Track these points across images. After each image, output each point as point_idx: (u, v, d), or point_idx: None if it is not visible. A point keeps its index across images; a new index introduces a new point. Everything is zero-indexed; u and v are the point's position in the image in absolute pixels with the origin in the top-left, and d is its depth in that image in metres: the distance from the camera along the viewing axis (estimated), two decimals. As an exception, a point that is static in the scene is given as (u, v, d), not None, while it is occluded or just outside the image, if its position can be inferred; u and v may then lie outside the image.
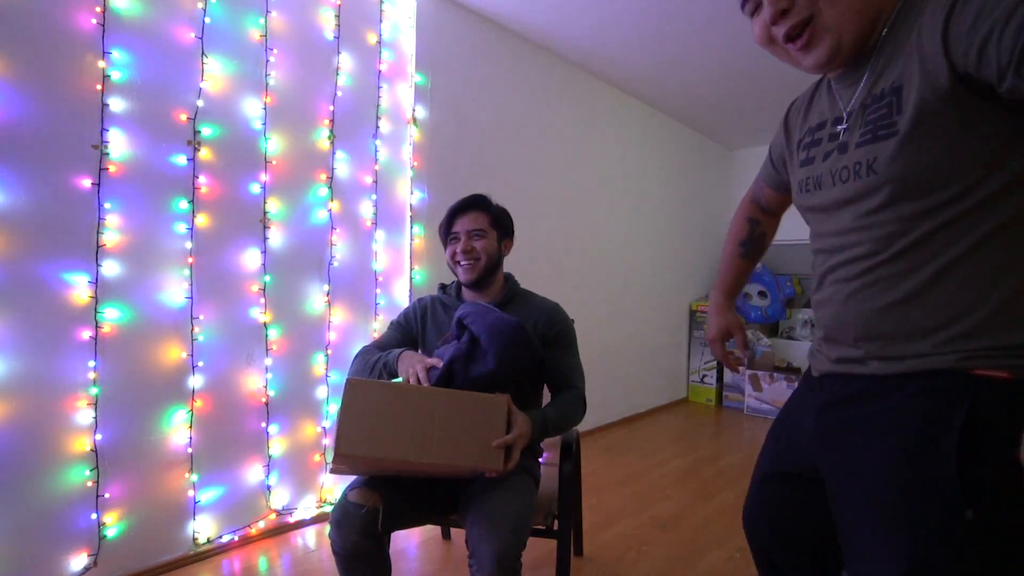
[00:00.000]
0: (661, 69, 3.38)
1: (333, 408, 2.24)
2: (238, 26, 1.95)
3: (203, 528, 1.90)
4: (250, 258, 2.00)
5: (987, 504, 0.65)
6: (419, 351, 1.56)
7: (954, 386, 0.69)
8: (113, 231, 1.68)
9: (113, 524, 1.70)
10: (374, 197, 2.37)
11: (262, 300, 2.03)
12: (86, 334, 1.64)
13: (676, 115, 4.26)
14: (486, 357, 1.26)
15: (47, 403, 1.58)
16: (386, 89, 2.40)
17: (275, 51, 2.04)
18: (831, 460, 0.82)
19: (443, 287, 1.61)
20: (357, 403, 1.14)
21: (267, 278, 2.04)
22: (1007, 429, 0.63)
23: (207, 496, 1.91)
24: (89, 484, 1.65)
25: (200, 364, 1.87)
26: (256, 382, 2.03)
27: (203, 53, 1.85)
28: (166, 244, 1.80)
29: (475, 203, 1.51)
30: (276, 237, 2.07)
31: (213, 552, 1.93)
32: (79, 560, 1.64)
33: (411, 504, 1.30)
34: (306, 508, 2.18)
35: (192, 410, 1.86)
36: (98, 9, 1.63)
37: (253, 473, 2.03)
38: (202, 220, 1.87)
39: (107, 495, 1.68)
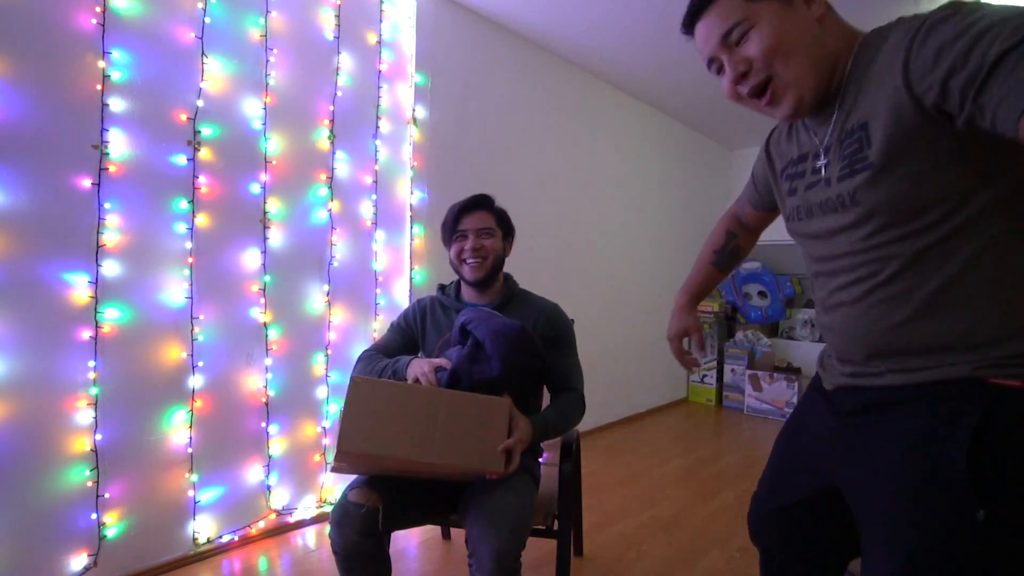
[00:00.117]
0: (661, 69, 3.38)
1: (333, 408, 2.24)
2: (238, 26, 1.95)
3: (203, 528, 1.90)
4: (250, 258, 2.01)
5: (1001, 506, 0.66)
6: (419, 352, 1.57)
7: (968, 393, 0.70)
8: (113, 231, 1.68)
9: (113, 524, 1.70)
10: (374, 197, 2.37)
11: (262, 300, 2.03)
12: (86, 334, 1.64)
13: (675, 115, 4.26)
14: (491, 362, 1.26)
15: (47, 403, 1.58)
16: (386, 89, 2.40)
17: (275, 51, 2.04)
18: (849, 468, 0.84)
19: (442, 288, 1.61)
20: (360, 401, 1.14)
21: (267, 278, 2.04)
22: (1020, 435, 0.67)
23: (207, 496, 1.91)
24: (89, 484, 1.65)
25: (200, 364, 1.87)
26: (256, 382, 2.03)
27: (203, 53, 1.85)
28: (166, 244, 1.80)
29: (482, 202, 1.51)
30: (276, 237, 2.07)
31: (213, 552, 1.93)
32: (79, 560, 1.64)
33: (411, 504, 1.30)
34: (306, 508, 2.18)
35: (192, 410, 1.86)
36: (98, 9, 1.63)
37: (253, 473, 2.03)
38: (202, 220, 1.87)
39: (107, 495, 1.68)
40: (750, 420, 4.13)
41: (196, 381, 1.87)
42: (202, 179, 1.86)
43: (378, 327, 2.38)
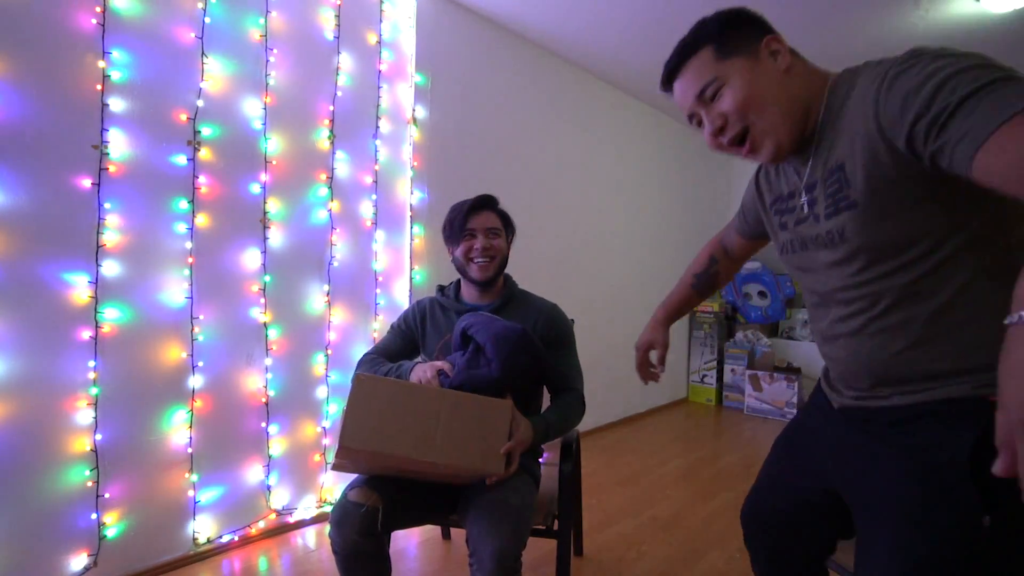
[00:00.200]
0: (661, 69, 3.37)
1: (333, 408, 2.24)
2: (238, 26, 1.95)
3: (203, 528, 1.90)
4: (250, 258, 2.01)
5: (1004, 512, 0.68)
6: (420, 354, 1.57)
7: (970, 409, 0.72)
8: (113, 231, 1.68)
9: (113, 524, 1.70)
10: (374, 197, 2.37)
11: (262, 300, 2.03)
12: (86, 334, 1.64)
13: (676, 115, 4.26)
14: (491, 365, 1.27)
15: (47, 403, 1.58)
16: (386, 89, 2.40)
17: (275, 51, 2.04)
18: (852, 472, 0.87)
19: (441, 289, 1.61)
20: (364, 398, 1.15)
21: (267, 278, 2.04)
22: None
23: (207, 496, 1.91)
24: (89, 484, 1.65)
25: (200, 364, 1.87)
26: (256, 382, 2.03)
27: (203, 53, 1.85)
28: (166, 244, 1.80)
29: (488, 203, 1.51)
30: (276, 237, 2.07)
31: (213, 552, 1.93)
32: (79, 560, 1.64)
33: (411, 504, 1.30)
34: (306, 508, 2.18)
35: (192, 410, 1.86)
36: (98, 9, 1.63)
37: (253, 473, 2.03)
38: (202, 220, 1.87)
39: (107, 495, 1.68)
40: (750, 420, 4.13)
41: (196, 381, 1.87)
42: (202, 179, 1.86)
43: (378, 327, 2.38)
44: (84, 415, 1.64)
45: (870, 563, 0.79)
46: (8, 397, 1.52)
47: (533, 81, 3.12)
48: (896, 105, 0.67)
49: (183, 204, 1.83)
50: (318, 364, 2.21)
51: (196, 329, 1.86)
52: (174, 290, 1.82)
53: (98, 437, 1.66)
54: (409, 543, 2.07)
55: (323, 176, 2.21)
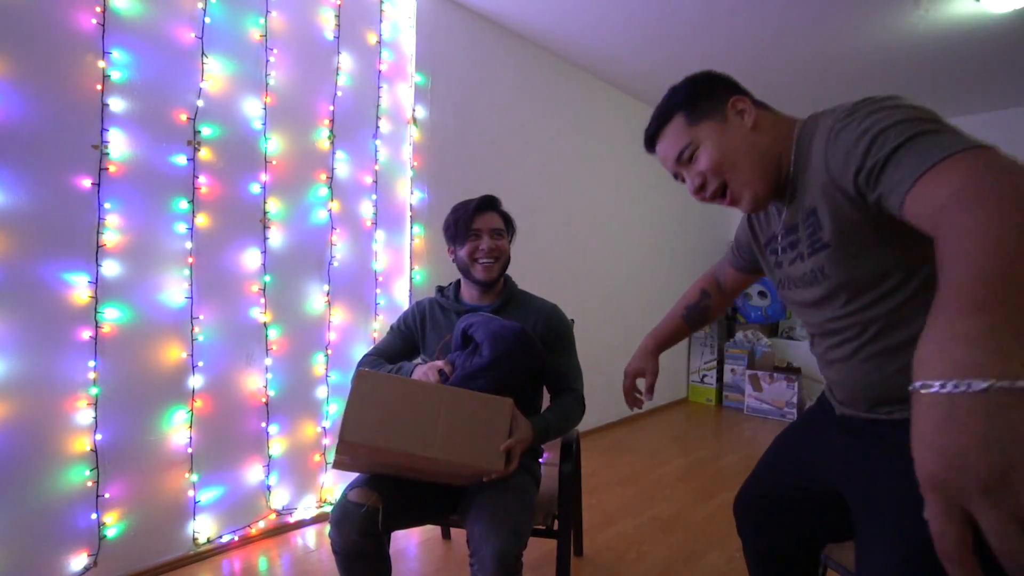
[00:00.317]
0: (661, 69, 3.37)
1: (333, 408, 2.24)
2: (238, 26, 1.95)
3: (203, 528, 1.90)
4: (250, 258, 2.01)
5: None
6: (420, 355, 1.57)
7: None
8: (113, 231, 1.68)
9: (113, 524, 1.70)
10: (374, 197, 2.37)
11: (262, 300, 2.03)
12: (86, 334, 1.64)
13: (676, 115, 4.25)
14: (487, 362, 1.27)
15: (47, 403, 1.58)
16: (386, 89, 2.40)
17: (275, 51, 2.04)
18: (852, 466, 0.90)
19: (440, 289, 1.61)
20: (365, 393, 1.15)
21: (267, 278, 2.04)
22: None
23: (207, 496, 1.91)
24: (89, 484, 1.65)
25: (200, 364, 1.87)
26: (256, 382, 2.03)
27: (203, 53, 1.85)
28: (166, 244, 1.80)
29: (492, 203, 1.52)
30: (276, 237, 2.07)
31: (213, 552, 1.93)
32: (79, 560, 1.64)
33: (411, 504, 1.30)
34: (306, 508, 2.18)
35: (192, 410, 1.86)
36: (98, 9, 1.63)
37: (253, 473, 2.03)
38: (202, 220, 1.87)
39: (107, 495, 1.68)
40: (750, 420, 4.13)
41: (196, 381, 1.87)
42: (202, 179, 1.86)
43: (378, 327, 2.38)
44: (84, 415, 1.64)
45: (870, 556, 0.80)
46: (8, 397, 1.52)
47: (533, 81, 3.12)
48: (840, 160, 0.73)
49: (183, 204, 1.83)
50: (318, 364, 2.21)
51: (196, 329, 1.86)
52: (174, 290, 1.82)
53: (98, 437, 1.66)
54: (409, 543, 2.07)
55: (323, 176, 2.21)
